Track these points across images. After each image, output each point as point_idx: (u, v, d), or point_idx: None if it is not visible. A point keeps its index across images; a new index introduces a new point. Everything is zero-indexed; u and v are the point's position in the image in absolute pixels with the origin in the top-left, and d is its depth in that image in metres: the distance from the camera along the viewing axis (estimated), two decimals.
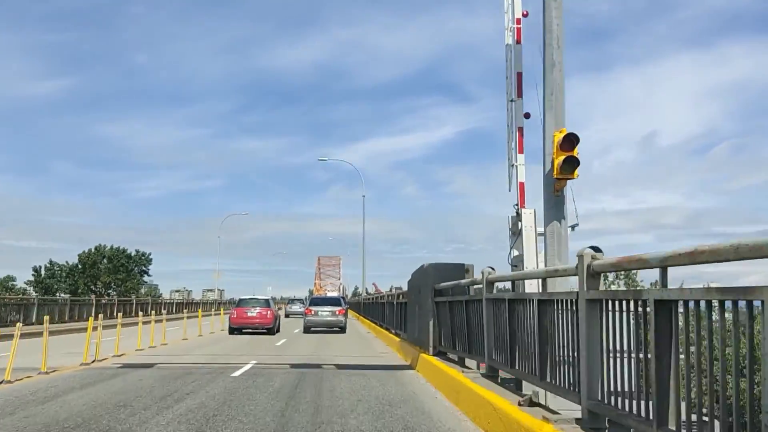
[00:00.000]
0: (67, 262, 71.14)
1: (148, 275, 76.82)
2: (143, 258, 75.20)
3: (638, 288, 9.48)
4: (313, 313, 26.57)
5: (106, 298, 51.93)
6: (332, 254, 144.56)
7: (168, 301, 58.46)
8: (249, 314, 25.17)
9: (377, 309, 27.42)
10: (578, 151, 9.12)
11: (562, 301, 5.62)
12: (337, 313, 26.19)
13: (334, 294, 71.95)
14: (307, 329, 26.61)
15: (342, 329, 26.32)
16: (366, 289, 51.67)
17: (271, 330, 25.12)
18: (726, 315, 3.42)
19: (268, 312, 25.25)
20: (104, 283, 68.67)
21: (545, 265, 9.55)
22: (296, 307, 49.74)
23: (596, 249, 5.39)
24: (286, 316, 49.24)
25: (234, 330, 25.30)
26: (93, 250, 71.34)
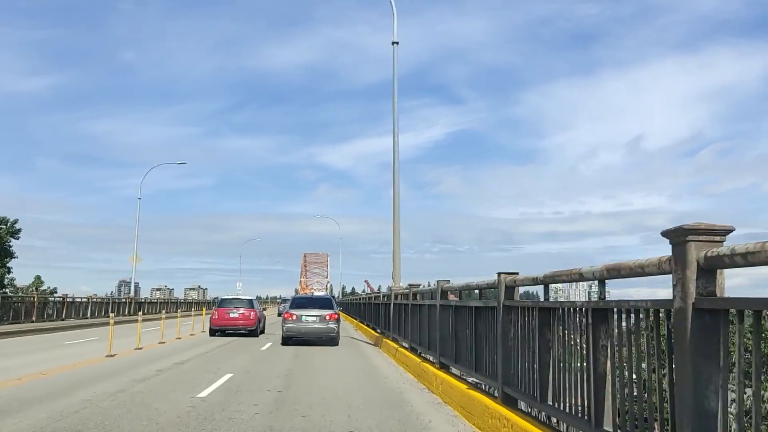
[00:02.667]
0: None
1: (13, 256, 46.85)
2: (5, 227, 45.53)
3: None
4: (295, 318, 20.11)
5: None
6: (319, 251, 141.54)
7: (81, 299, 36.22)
8: (231, 315, 23.73)
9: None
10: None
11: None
12: (326, 318, 20.11)
13: (322, 294, 62.93)
14: (286, 340, 20.19)
15: (333, 340, 20.25)
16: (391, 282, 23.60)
17: (254, 332, 23.74)
18: None
19: (252, 313, 23.85)
20: None
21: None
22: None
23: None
24: (279, 315, 48.50)
25: (215, 332, 23.95)
26: None
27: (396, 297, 18.14)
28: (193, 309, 55.62)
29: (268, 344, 20.08)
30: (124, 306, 42.14)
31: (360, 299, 39.50)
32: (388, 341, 18.10)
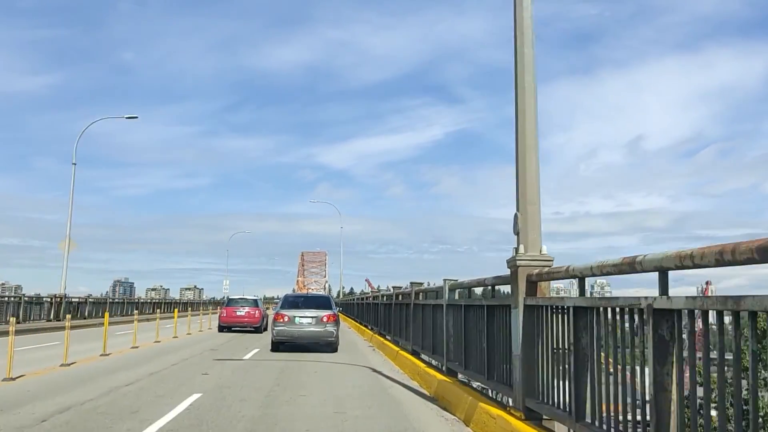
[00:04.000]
0: None
1: None
2: None
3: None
4: (287, 320, 17.42)
5: None
6: (318, 250, 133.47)
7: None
8: (237, 313, 26.25)
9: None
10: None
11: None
12: (323, 319, 17.44)
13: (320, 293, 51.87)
14: (276, 346, 17.47)
15: (330, 346, 17.52)
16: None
17: (258, 329, 26.22)
18: None
19: (256, 311, 26.45)
20: None
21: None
22: None
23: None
24: None
25: (223, 328, 26.35)
26: None
27: (536, 288, 6.27)
28: (156, 311, 44.48)
29: (192, 397, 8.62)
30: (50, 309, 30.27)
31: (380, 299, 22.87)
32: (520, 424, 6.15)
